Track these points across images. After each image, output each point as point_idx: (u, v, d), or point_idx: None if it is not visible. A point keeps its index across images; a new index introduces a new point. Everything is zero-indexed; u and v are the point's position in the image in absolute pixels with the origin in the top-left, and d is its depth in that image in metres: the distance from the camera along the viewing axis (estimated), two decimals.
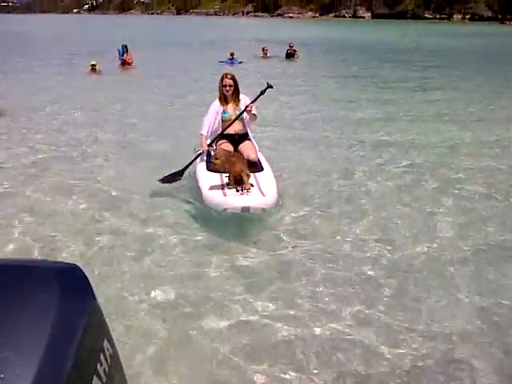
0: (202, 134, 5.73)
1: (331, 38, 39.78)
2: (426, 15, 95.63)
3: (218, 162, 5.01)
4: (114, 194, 5.84)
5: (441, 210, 5.37)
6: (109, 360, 1.36)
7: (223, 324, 3.35)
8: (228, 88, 5.70)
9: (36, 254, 4.35)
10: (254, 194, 4.77)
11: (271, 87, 5.77)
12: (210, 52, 24.88)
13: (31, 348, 1.11)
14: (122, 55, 18.47)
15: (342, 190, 6.04)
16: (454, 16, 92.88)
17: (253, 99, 5.74)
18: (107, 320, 1.42)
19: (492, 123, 9.72)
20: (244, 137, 5.84)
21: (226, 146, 5.69)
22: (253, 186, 4.88)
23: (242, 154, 5.33)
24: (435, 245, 4.54)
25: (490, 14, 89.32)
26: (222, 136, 5.76)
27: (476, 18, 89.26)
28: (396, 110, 10.89)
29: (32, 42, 34.40)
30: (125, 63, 18.32)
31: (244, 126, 5.82)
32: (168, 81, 15.59)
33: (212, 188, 4.94)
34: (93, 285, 1.39)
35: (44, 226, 4.96)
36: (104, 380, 1.29)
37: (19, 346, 1.11)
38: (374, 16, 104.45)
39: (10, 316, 1.19)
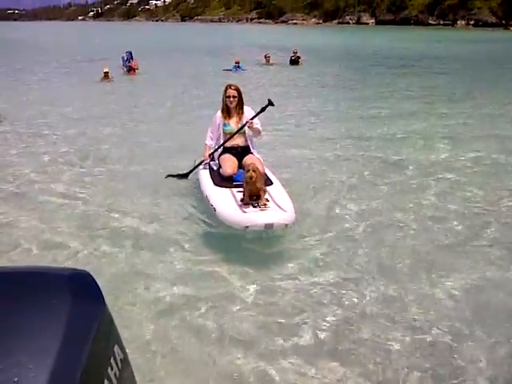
0: (205, 144, 5.79)
1: (335, 44, 39.95)
2: (429, 21, 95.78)
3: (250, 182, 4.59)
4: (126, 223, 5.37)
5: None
6: (119, 364, 1.38)
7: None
8: (232, 99, 5.58)
9: (48, 260, 4.37)
10: (274, 209, 4.51)
11: (272, 105, 5.68)
12: (214, 59, 24.98)
13: (43, 353, 1.13)
14: (128, 62, 18.60)
15: (352, 208, 5.69)
16: (458, 22, 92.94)
17: (253, 115, 5.59)
18: (117, 326, 1.45)
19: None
20: (247, 150, 5.71)
21: (231, 158, 5.52)
22: (268, 201, 4.65)
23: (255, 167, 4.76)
24: None
25: (493, 19, 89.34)
26: (224, 149, 5.67)
27: (480, 24, 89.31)
28: (408, 124, 10.30)
29: (37, 49, 34.59)
30: (130, 70, 18.44)
31: (246, 139, 5.70)
32: (173, 88, 15.56)
33: (227, 205, 4.66)
34: (103, 291, 1.41)
35: (54, 230, 5.00)
36: None
37: (32, 351, 1.13)
38: (378, 22, 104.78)
39: (23, 322, 1.21)
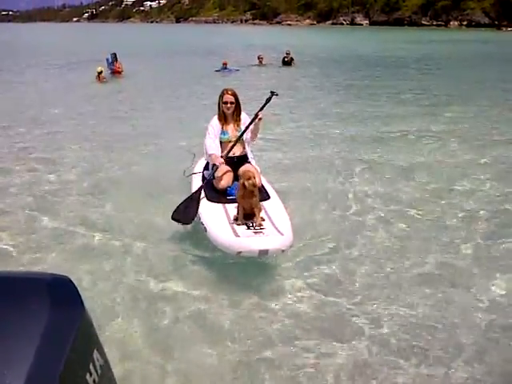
0: (211, 154, 5.11)
1: (329, 46, 39.96)
2: (423, 22, 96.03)
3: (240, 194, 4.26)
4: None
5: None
6: (99, 370, 1.38)
7: None
8: (229, 105, 5.14)
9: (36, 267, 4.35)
10: (269, 232, 4.08)
11: (276, 94, 5.26)
12: (205, 60, 24.97)
13: (20, 359, 1.13)
14: (112, 64, 18.35)
15: (355, 221, 5.42)
16: (451, 23, 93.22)
17: (259, 108, 5.16)
18: (98, 331, 1.45)
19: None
20: (243, 159, 5.28)
21: (226, 169, 5.02)
22: (264, 220, 4.27)
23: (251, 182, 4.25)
24: None
25: (486, 20, 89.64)
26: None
27: (473, 24, 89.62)
28: (403, 127, 10.04)
29: (31, 51, 34.45)
30: (114, 72, 18.18)
31: (244, 147, 5.30)
32: (158, 91, 15.30)
33: (219, 225, 4.26)
34: (83, 296, 1.41)
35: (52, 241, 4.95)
36: None
37: (7, 357, 1.13)
38: (372, 23, 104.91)
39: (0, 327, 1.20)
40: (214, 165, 5.09)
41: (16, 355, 1.14)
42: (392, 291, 3.99)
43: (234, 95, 5.18)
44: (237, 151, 5.21)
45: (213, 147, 5.13)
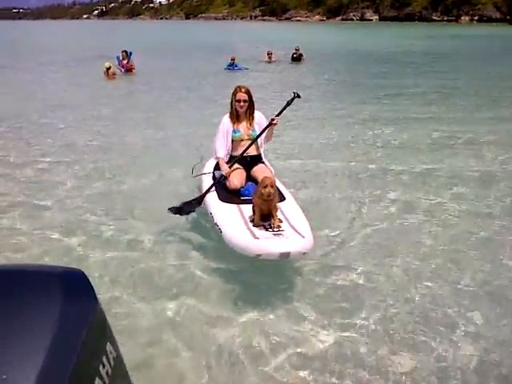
0: (218, 158, 5.04)
1: (338, 42, 39.81)
2: (433, 17, 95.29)
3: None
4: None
5: None
6: (112, 362, 1.40)
7: None
8: (242, 104, 4.96)
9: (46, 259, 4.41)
10: (289, 234, 3.84)
11: (298, 97, 5.07)
12: (216, 57, 24.82)
13: (34, 351, 1.15)
14: (126, 62, 18.11)
15: (375, 229, 5.08)
16: (462, 18, 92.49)
17: (278, 111, 5.02)
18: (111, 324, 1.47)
19: None
20: (257, 159, 5.10)
21: (238, 169, 4.91)
22: (282, 221, 4.04)
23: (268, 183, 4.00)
24: None
25: (498, 15, 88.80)
26: (231, 158, 5.03)
27: (484, 19, 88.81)
28: (435, 131, 9.27)
29: (40, 49, 34.62)
30: (127, 69, 18.05)
31: (257, 147, 5.10)
32: (168, 89, 15.08)
33: (235, 226, 4.03)
34: (96, 289, 1.43)
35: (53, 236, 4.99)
36: (106, 381, 1.33)
37: (22, 349, 1.15)
38: (382, 18, 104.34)
39: (14, 320, 1.23)
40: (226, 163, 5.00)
41: (30, 347, 1.16)
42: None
43: (248, 93, 5.00)
44: (250, 150, 5.00)
45: (222, 150, 5.02)
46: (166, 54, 28.11)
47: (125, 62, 17.98)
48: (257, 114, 5.11)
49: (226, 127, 5.04)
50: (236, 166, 4.93)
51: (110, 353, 1.42)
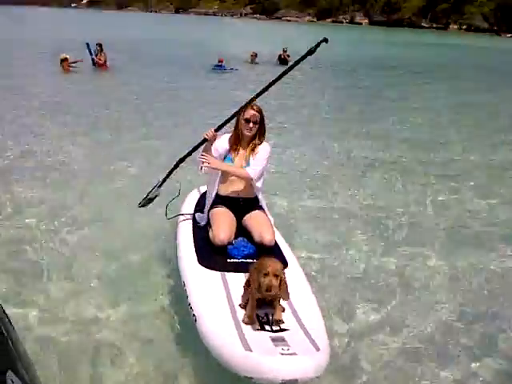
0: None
1: (327, 45, 39.55)
2: (422, 24, 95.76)
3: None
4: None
5: None
6: None
7: None
8: (251, 125, 3.82)
9: None
10: (296, 343, 2.60)
11: (326, 41, 3.78)
12: (202, 56, 24.45)
13: None
14: (95, 54, 16.97)
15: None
16: (451, 26, 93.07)
17: (297, 60, 3.78)
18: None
19: None
20: (252, 203, 3.96)
21: (226, 215, 3.79)
22: (283, 310, 2.90)
23: (271, 259, 2.96)
24: None
25: (486, 25, 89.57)
26: (218, 198, 3.93)
27: (472, 28, 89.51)
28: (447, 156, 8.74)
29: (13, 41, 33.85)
30: (97, 64, 16.90)
31: (251, 186, 3.92)
32: (143, 92, 13.79)
33: (217, 321, 2.84)
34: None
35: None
36: None
37: None
38: (371, 23, 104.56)
39: None
40: (210, 207, 3.92)
41: None
42: None
43: (260, 112, 3.88)
44: (241, 190, 3.90)
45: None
46: (148, 50, 27.37)
47: (100, 55, 16.87)
48: (264, 145, 3.95)
49: (221, 151, 3.92)
50: (222, 209, 3.83)
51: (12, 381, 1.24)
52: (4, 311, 1.40)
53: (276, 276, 2.73)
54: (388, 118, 11.91)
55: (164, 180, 4.21)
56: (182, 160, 4.06)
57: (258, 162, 3.85)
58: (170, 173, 4.17)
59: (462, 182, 7.34)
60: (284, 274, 2.89)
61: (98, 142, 7.96)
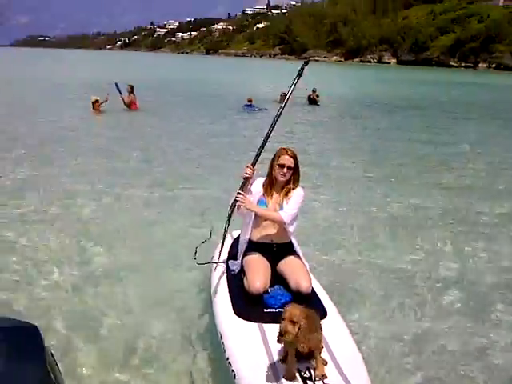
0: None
1: (357, 84, 39.95)
2: (451, 63, 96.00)
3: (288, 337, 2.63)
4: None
5: None
6: None
7: None
8: (286, 171, 3.74)
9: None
10: None
11: (306, 64, 4.15)
12: (232, 94, 24.71)
13: None
14: (127, 94, 17.08)
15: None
16: (480, 65, 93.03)
17: (289, 91, 4.13)
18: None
19: None
20: (286, 248, 3.84)
21: (260, 262, 3.68)
22: (326, 363, 2.76)
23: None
24: None
25: None
26: (251, 244, 3.83)
27: (501, 67, 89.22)
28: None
29: (46, 78, 35.05)
30: (128, 104, 17.09)
31: (284, 230, 3.80)
32: (174, 132, 13.75)
33: (257, 377, 2.71)
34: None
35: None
36: None
37: None
38: (399, 62, 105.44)
39: None
40: (243, 254, 3.81)
41: None
42: None
43: (295, 158, 3.81)
44: (275, 235, 3.80)
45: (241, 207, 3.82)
46: (179, 91, 27.74)
47: (129, 96, 17.12)
48: (298, 190, 3.84)
49: (255, 194, 3.85)
50: (256, 256, 3.72)
51: None
52: (55, 360, 1.44)
53: (293, 322, 2.60)
54: (436, 163, 10.93)
55: (224, 235, 4.00)
56: (232, 207, 3.87)
57: (291, 206, 3.76)
58: (227, 225, 3.94)
59: None
60: (320, 324, 2.77)
61: (132, 196, 7.56)
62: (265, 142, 3.94)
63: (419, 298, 4.68)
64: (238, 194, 3.73)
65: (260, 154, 3.92)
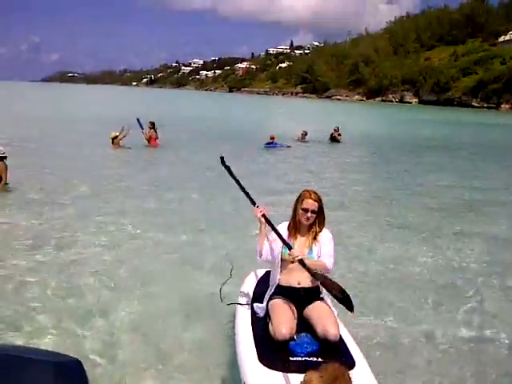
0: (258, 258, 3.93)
1: (378, 124, 39.96)
2: (473, 103, 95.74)
3: None
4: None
5: None
6: None
7: None
8: (310, 215, 3.70)
9: None
10: None
11: (221, 158, 4.14)
12: (254, 132, 24.86)
13: None
14: (148, 130, 17.49)
15: None
16: (502, 106, 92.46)
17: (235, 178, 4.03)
18: None
19: None
20: (313, 293, 3.72)
21: (287, 308, 3.55)
22: None
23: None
24: None
25: None
26: (277, 287, 3.75)
27: None
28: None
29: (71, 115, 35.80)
30: (148, 141, 17.44)
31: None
32: (195, 170, 13.67)
33: None
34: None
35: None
36: None
37: None
38: (421, 102, 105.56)
39: None
40: (269, 298, 3.72)
41: None
42: None
43: (319, 201, 3.76)
44: (302, 279, 3.67)
45: (264, 249, 3.83)
46: (201, 128, 27.65)
47: (150, 132, 17.48)
48: (325, 232, 3.83)
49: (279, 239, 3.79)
50: (282, 301, 3.60)
51: None
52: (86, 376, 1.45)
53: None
54: (465, 210, 10.34)
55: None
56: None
57: (329, 252, 3.75)
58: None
59: None
60: (350, 376, 2.48)
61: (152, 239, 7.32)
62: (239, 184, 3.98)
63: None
64: (287, 246, 3.65)
65: (248, 193, 3.92)
